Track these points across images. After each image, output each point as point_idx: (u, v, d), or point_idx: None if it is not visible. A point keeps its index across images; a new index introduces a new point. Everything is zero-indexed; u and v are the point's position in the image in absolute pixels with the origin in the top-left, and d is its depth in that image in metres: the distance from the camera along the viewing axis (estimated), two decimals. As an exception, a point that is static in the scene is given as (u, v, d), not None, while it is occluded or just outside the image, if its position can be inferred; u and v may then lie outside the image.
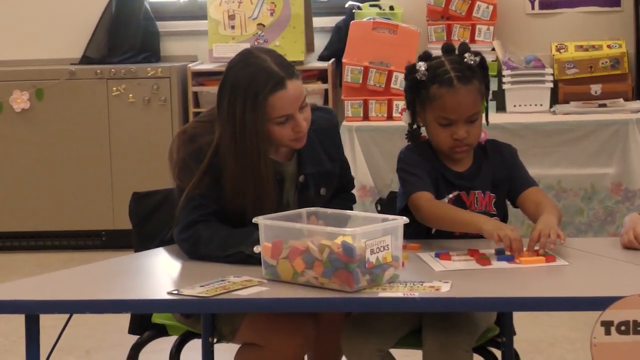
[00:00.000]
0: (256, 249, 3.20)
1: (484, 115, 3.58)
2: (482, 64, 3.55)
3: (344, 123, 6.36)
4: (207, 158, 3.40)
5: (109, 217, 6.95)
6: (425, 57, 3.57)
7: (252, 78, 3.35)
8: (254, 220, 3.12)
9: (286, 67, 3.40)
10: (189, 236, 3.39)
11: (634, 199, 6.21)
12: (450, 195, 3.52)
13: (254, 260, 3.21)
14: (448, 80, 3.47)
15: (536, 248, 3.25)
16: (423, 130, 3.62)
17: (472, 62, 3.50)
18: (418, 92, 3.54)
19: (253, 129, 3.35)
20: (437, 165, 3.57)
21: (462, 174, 3.57)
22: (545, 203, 3.54)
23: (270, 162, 3.41)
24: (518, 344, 3.57)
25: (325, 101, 6.76)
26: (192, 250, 3.37)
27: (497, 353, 3.46)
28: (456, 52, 3.55)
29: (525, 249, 3.25)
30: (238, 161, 3.38)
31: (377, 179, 6.25)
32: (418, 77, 3.52)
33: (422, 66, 3.52)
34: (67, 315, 3.16)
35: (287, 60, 3.45)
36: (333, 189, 3.65)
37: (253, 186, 3.39)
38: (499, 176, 3.59)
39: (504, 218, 3.62)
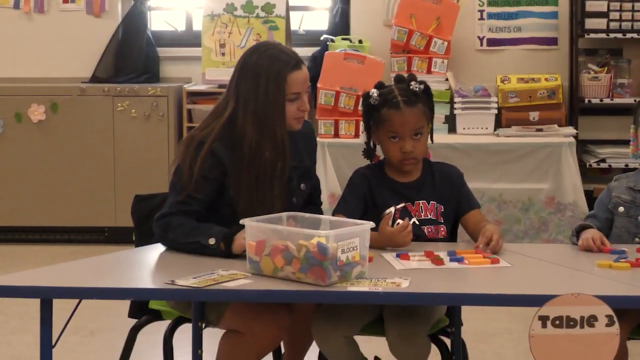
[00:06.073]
0: (210, 241, 3.27)
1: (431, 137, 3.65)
2: (427, 91, 3.60)
3: (317, 139, 6.34)
4: (207, 145, 3.41)
5: (112, 215, 6.93)
6: (379, 86, 3.63)
7: (274, 60, 3.45)
8: (241, 221, 3.12)
9: (296, 54, 3.53)
10: (162, 223, 3.41)
11: (564, 211, 6.24)
12: (398, 206, 3.54)
13: (208, 250, 3.28)
14: (396, 104, 3.54)
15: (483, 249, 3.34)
16: (379, 149, 3.67)
17: (416, 89, 3.57)
18: (371, 114, 3.60)
19: (274, 101, 3.43)
20: (386, 180, 3.61)
21: (408, 184, 3.61)
22: (485, 221, 3.58)
23: (285, 127, 3.46)
24: (464, 333, 3.57)
25: (302, 120, 6.76)
26: (162, 236, 3.40)
27: (447, 341, 3.45)
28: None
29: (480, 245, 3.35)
30: (257, 130, 3.43)
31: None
32: (372, 102, 3.59)
33: (374, 93, 3.60)
34: (75, 300, 3.14)
35: None
36: (311, 186, 3.67)
37: (271, 148, 3.44)
38: (446, 194, 3.61)
39: (452, 230, 3.66)
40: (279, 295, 3.00)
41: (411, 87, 3.56)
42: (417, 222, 3.51)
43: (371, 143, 3.67)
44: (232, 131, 3.46)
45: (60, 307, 3.15)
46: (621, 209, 3.61)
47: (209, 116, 3.56)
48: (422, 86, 3.57)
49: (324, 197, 6.11)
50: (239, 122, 3.45)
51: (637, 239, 3.57)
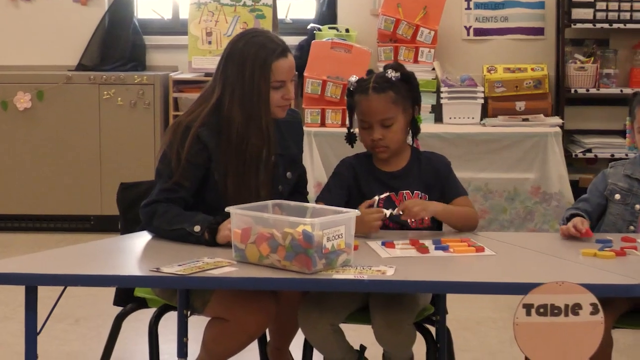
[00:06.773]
0: (195, 229, 3.26)
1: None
2: (405, 79, 3.57)
3: (304, 128, 6.33)
4: (193, 130, 3.40)
5: (97, 204, 6.91)
6: (368, 73, 3.63)
7: (260, 47, 3.44)
8: (227, 209, 3.12)
9: (283, 42, 3.51)
10: (148, 210, 3.41)
11: (550, 200, 6.25)
12: (382, 196, 3.53)
13: (192, 238, 3.27)
14: (365, 90, 3.55)
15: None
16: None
17: (391, 76, 3.55)
18: (349, 101, 3.62)
19: (259, 88, 3.42)
20: (372, 170, 3.62)
21: (393, 174, 3.61)
22: (470, 208, 3.58)
23: (270, 114, 3.46)
24: (449, 322, 3.57)
25: (288, 109, 6.76)
26: (147, 222, 3.40)
27: (432, 329, 3.46)
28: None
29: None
30: (243, 116, 3.42)
31: (331, 178, 6.25)
32: (351, 89, 3.61)
33: (352, 79, 3.61)
34: (60, 287, 3.13)
35: None
36: (297, 175, 3.66)
37: (256, 133, 3.43)
38: (431, 182, 3.60)
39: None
40: (264, 283, 2.99)
41: (387, 74, 3.56)
42: (393, 213, 3.47)
43: (353, 129, 3.68)
44: (219, 117, 3.46)
45: (46, 295, 3.14)
46: (617, 196, 3.60)
47: (195, 102, 3.55)
48: (397, 74, 3.56)
49: (310, 186, 6.11)
50: (225, 108, 3.45)
51: (631, 227, 3.56)
